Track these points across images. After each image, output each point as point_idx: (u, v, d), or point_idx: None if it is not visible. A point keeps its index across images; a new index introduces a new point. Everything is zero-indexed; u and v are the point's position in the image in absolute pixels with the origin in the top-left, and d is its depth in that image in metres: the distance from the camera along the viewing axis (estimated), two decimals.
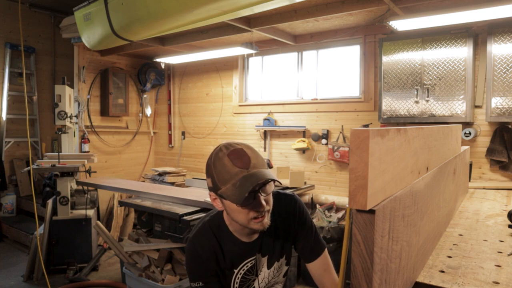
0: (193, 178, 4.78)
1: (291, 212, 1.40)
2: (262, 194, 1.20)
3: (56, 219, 3.91)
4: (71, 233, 3.95)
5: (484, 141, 3.60)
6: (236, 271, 1.35)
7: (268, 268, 1.41)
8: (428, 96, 3.62)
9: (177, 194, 3.29)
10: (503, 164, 3.49)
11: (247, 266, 1.36)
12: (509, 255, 1.23)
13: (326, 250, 1.45)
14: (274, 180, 1.20)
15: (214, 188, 1.22)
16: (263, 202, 1.19)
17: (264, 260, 1.39)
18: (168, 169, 5.11)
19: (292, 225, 1.41)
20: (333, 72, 4.64)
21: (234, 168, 1.15)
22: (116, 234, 4.89)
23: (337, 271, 1.43)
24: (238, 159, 1.16)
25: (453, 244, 1.34)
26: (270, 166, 4.17)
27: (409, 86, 3.72)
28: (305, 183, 4.39)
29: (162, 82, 6.04)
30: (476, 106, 3.60)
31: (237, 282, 1.36)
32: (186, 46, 4.93)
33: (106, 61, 5.54)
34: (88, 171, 4.02)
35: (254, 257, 1.37)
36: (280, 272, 1.46)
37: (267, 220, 1.23)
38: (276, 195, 1.39)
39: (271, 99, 5.08)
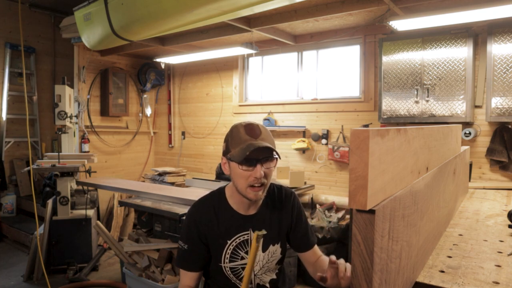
0: (193, 178, 4.78)
1: (290, 204, 1.54)
2: (263, 166, 1.34)
3: (56, 219, 3.91)
4: (71, 233, 3.95)
5: (484, 141, 3.60)
6: (229, 242, 1.45)
7: (263, 251, 1.49)
8: (428, 96, 3.62)
9: (177, 194, 3.29)
10: (503, 164, 3.49)
11: (239, 239, 1.46)
12: (509, 255, 1.23)
13: (316, 246, 1.56)
14: (274, 152, 1.36)
15: (225, 152, 1.40)
16: (261, 172, 1.33)
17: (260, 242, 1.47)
18: (168, 169, 5.11)
19: (289, 214, 1.53)
20: (333, 72, 4.64)
21: (245, 136, 1.34)
22: (116, 234, 4.89)
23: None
24: (251, 130, 1.36)
25: (453, 244, 1.34)
26: None
27: (409, 86, 3.72)
28: (305, 183, 4.39)
29: (162, 82, 6.05)
30: (476, 106, 3.60)
31: (228, 253, 1.45)
32: (186, 46, 4.93)
33: (106, 61, 5.54)
34: (88, 171, 4.02)
35: (247, 232, 1.47)
36: (275, 258, 1.52)
37: (261, 193, 1.37)
38: (279, 187, 1.56)
39: (271, 99, 5.08)
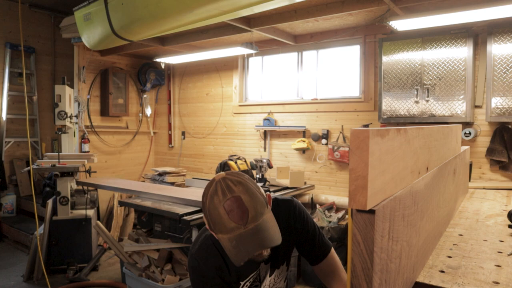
0: (193, 178, 4.78)
1: (291, 218, 1.38)
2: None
3: (56, 219, 3.91)
4: (71, 233, 3.95)
5: (484, 141, 3.60)
6: (242, 283, 1.35)
7: (270, 275, 1.42)
8: (428, 96, 3.62)
9: (177, 194, 3.29)
10: (503, 164, 3.49)
11: (253, 278, 1.37)
12: (509, 255, 1.23)
13: (332, 250, 1.43)
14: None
15: (209, 227, 1.17)
16: (264, 253, 1.20)
17: (267, 267, 1.40)
18: (168, 169, 5.11)
19: (293, 230, 1.38)
20: (333, 72, 4.64)
21: (230, 223, 1.08)
22: (116, 234, 4.89)
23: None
24: (235, 212, 1.08)
25: (453, 244, 1.34)
26: (270, 166, 4.16)
27: (409, 86, 3.72)
28: (305, 183, 4.39)
29: (162, 82, 6.04)
30: (476, 106, 3.60)
31: None
32: (186, 46, 4.93)
33: (106, 61, 5.54)
34: (88, 171, 4.02)
35: (258, 268, 1.37)
36: (282, 278, 1.47)
37: (266, 253, 1.22)
38: (275, 202, 1.36)
39: (271, 99, 5.08)
